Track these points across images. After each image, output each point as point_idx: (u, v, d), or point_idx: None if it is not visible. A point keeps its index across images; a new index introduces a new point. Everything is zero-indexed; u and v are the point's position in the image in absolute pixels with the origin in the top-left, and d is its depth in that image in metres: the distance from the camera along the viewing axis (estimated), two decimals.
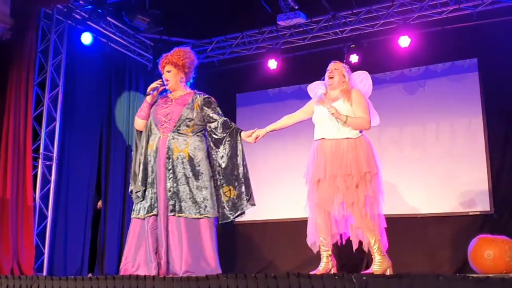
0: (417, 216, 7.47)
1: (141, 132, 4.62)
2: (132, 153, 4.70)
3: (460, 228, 7.15)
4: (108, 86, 7.98)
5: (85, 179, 7.44)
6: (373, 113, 4.77)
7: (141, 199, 4.42)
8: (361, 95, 4.62)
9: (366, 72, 4.88)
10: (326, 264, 4.53)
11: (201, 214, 4.31)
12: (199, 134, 4.52)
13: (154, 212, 4.34)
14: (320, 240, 4.54)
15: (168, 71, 4.62)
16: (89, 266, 7.28)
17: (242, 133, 4.46)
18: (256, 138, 4.47)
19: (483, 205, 7.16)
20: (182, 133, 4.44)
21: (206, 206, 4.33)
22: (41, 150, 6.85)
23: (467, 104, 7.48)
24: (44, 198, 6.84)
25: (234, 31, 8.21)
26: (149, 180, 4.42)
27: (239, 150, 4.43)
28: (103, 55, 7.80)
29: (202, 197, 4.34)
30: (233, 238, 8.34)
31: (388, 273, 4.33)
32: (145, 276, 3.46)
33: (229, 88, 8.87)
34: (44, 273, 6.56)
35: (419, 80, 7.85)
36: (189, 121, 4.45)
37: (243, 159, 4.43)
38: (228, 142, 4.46)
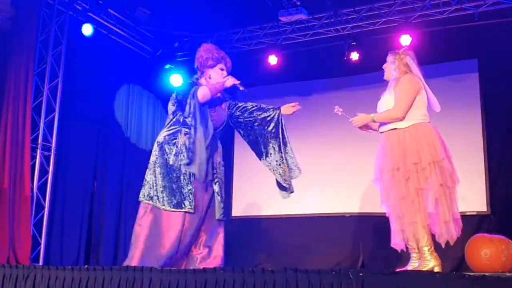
0: None
1: (202, 104, 4.44)
2: (193, 125, 4.37)
3: None
4: (108, 77, 7.97)
5: (83, 170, 7.44)
6: (431, 97, 4.57)
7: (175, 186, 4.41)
8: (405, 82, 4.42)
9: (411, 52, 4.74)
10: (414, 263, 4.33)
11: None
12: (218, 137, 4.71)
13: (190, 210, 4.40)
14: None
15: (222, 69, 4.72)
16: (85, 257, 7.29)
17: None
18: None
19: (480, 205, 7.17)
20: (217, 139, 4.61)
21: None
22: (39, 141, 6.85)
23: (466, 105, 7.48)
24: (42, 188, 6.84)
25: (235, 26, 8.20)
26: (178, 172, 4.43)
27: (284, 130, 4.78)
28: (103, 46, 7.79)
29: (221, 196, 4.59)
30: (230, 232, 8.33)
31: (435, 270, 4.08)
32: (142, 267, 3.47)
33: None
34: (40, 263, 6.57)
35: None
36: (223, 128, 4.69)
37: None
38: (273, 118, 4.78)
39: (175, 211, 4.37)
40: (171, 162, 4.43)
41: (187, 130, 4.41)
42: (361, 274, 2.90)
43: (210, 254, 4.46)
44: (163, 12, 7.55)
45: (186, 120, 4.42)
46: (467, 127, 7.40)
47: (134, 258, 4.30)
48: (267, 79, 8.58)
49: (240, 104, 4.78)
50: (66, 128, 7.25)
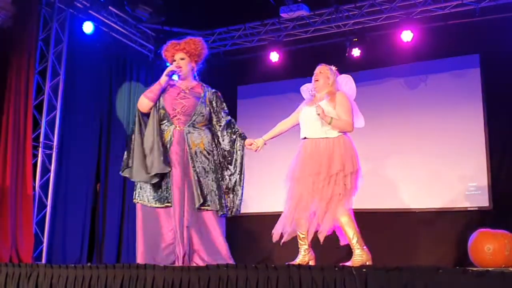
0: (416, 211, 7.48)
1: (144, 113, 4.50)
2: (134, 134, 4.49)
3: (459, 223, 7.16)
4: (109, 75, 7.97)
5: (85, 168, 7.44)
6: (357, 115, 4.84)
7: (158, 182, 4.39)
8: (345, 98, 4.68)
9: (350, 76, 4.92)
10: (303, 257, 4.62)
11: (221, 207, 4.43)
12: (209, 127, 4.59)
13: (169, 204, 4.37)
14: (298, 234, 4.63)
15: (182, 58, 4.61)
16: (88, 256, 7.29)
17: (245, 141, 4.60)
18: (257, 150, 4.66)
19: (482, 200, 7.17)
20: (196, 127, 4.49)
21: (223, 199, 4.47)
22: (41, 139, 6.85)
23: (468, 100, 7.48)
24: (44, 187, 6.85)
25: (236, 22, 8.19)
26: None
27: (240, 158, 4.57)
28: (104, 44, 7.78)
29: (220, 190, 4.46)
30: (234, 229, 8.34)
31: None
32: (145, 265, 3.46)
33: (231, 80, 8.85)
34: (43, 261, 6.57)
35: (420, 75, 7.84)
36: (202, 116, 4.51)
37: (243, 167, 4.58)
38: (233, 149, 4.57)
39: (160, 207, 4.39)
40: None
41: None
42: (364, 270, 2.90)
43: (191, 248, 4.33)
44: (163, 9, 7.53)
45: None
46: (469, 122, 7.40)
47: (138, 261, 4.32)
48: (269, 76, 8.57)
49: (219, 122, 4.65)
50: (67, 127, 7.24)
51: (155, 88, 4.50)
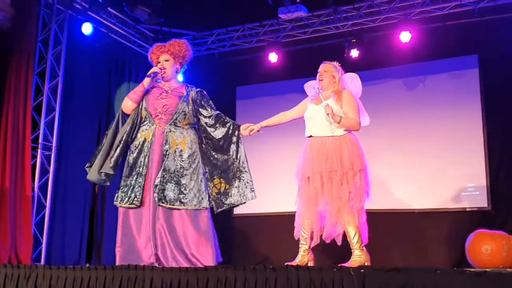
0: (414, 211, 7.49)
1: (126, 114, 4.58)
2: (108, 131, 4.63)
3: (457, 223, 7.16)
4: (108, 76, 7.97)
5: (83, 169, 7.40)
6: (363, 113, 4.86)
7: (107, 183, 4.65)
8: (351, 96, 4.69)
9: (356, 74, 4.92)
10: (302, 257, 4.63)
11: (200, 206, 4.37)
12: (193, 127, 4.60)
13: (137, 203, 4.40)
14: (301, 234, 4.65)
15: (166, 60, 4.64)
16: (86, 257, 7.29)
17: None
18: (250, 131, 4.57)
19: (480, 201, 7.17)
20: (178, 126, 4.49)
21: (203, 198, 4.41)
22: (40, 140, 6.86)
23: (467, 100, 7.48)
24: (43, 188, 6.85)
25: (235, 23, 8.20)
26: (138, 169, 4.45)
27: (241, 145, 4.51)
28: (103, 45, 7.77)
29: (200, 189, 4.42)
30: (232, 230, 8.35)
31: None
32: (143, 266, 3.47)
33: (229, 81, 8.86)
34: (42, 263, 6.57)
35: (419, 76, 7.85)
36: (185, 114, 4.50)
37: (242, 153, 4.50)
38: (229, 137, 4.51)
39: (130, 207, 4.46)
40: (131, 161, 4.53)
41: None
42: (362, 270, 2.90)
43: (163, 251, 4.32)
44: (162, 10, 7.53)
45: None
46: (468, 122, 7.41)
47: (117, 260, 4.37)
48: (268, 77, 8.58)
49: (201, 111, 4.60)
50: (66, 128, 7.24)
51: (138, 90, 4.57)
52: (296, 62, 8.25)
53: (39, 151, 6.83)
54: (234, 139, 4.51)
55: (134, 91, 4.59)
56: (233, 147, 4.49)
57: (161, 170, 4.37)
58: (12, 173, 6.27)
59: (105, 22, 7.73)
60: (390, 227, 7.44)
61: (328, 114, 4.52)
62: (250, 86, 8.97)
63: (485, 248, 5.62)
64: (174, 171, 4.38)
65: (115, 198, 4.58)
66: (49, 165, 6.93)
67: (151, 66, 8.10)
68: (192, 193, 4.37)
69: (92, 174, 4.56)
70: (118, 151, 4.52)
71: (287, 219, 7.87)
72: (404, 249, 7.30)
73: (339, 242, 4.57)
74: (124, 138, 4.51)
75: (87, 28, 7.24)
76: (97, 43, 7.61)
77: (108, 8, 7.58)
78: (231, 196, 4.43)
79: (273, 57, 8.15)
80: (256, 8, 7.64)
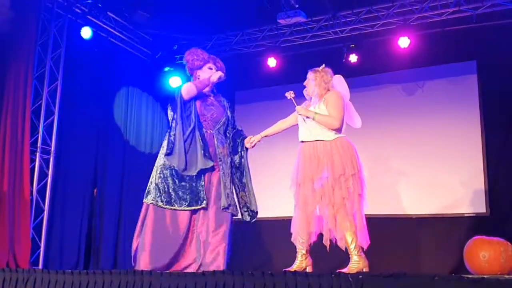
0: (412, 216, 7.49)
1: (186, 101, 4.58)
2: (175, 119, 4.53)
3: (455, 229, 7.17)
4: (107, 80, 7.97)
5: (82, 173, 7.45)
6: (354, 114, 4.88)
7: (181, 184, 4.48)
8: (335, 96, 4.69)
9: (340, 76, 4.94)
10: (300, 263, 4.63)
11: (235, 209, 4.64)
12: (226, 134, 4.82)
13: (204, 205, 4.46)
14: (298, 239, 4.65)
15: (210, 68, 4.83)
16: (84, 261, 7.28)
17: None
18: (252, 143, 4.81)
19: (479, 206, 7.18)
20: (220, 133, 4.70)
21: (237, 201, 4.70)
22: (39, 144, 6.85)
23: (465, 106, 7.50)
24: (41, 191, 6.84)
25: (234, 28, 8.21)
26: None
27: (246, 161, 4.84)
28: (102, 49, 7.78)
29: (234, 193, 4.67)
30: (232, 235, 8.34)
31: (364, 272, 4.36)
32: (142, 271, 3.47)
33: (228, 86, 8.83)
34: (40, 266, 6.56)
35: (418, 81, 7.87)
36: (224, 123, 4.76)
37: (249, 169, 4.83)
38: (238, 149, 4.84)
39: (176, 209, 4.45)
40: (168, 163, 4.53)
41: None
42: (360, 276, 2.90)
43: (213, 252, 4.41)
44: (162, 15, 7.55)
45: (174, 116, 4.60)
46: (466, 128, 7.42)
47: (142, 261, 4.34)
48: (266, 82, 8.59)
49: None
50: (65, 131, 7.25)
51: (204, 83, 4.72)
52: (295, 67, 8.23)
53: (37, 154, 6.83)
54: (243, 154, 4.84)
55: (201, 81, 4.72)
56: (243, 160, 4.82)
57: (211, 174, 4.52)
58: (10, 176, 6.26)
59: (104, 26, 7.73)
60: (388, 232, 7.44)
61: (300, 114, 4.62)
62: (249, 91, 8.98)
63: (483, 255, 5.62)
64: (223, 174, 4.59)
65: (153, 198, 4.49)
66: (48, 169, 6.93)
67: (151, 70, 8.13)
68: (232, 196, 4.61)
69: (191, 169, 4.47)
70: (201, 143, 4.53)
71: (286, 223, 7.91)
72: (402, 255, 7.30)
73: (342, 247, 4.54)
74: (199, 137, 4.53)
75: (86, 32, 7.24)
76: (96, 47, 7.60)
77: (108, 12, 7.58)
78: (251, 204, 4.75)
79: (272, 62, 8.16)
80: (255, 13, 7.65)
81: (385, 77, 8.07)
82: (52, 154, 6.97)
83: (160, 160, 4.58)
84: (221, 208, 4.45)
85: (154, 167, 4.61)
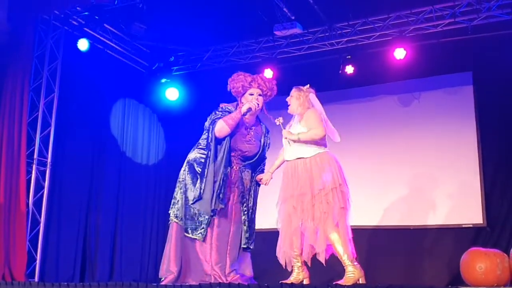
0: (409, 227, 7.49)
1: (219, 139, 4.59)
2: (209, 161, 4.56)
3: (452, 240, 7.16)
4: (104, 92, 7.98)
5: (78, 185, 7.43)
6: (332, 130, 4.91)
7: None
8: (312, 113, 4.74)
9: (313, 93, 4.95)
10: (297, 275, 4.62)
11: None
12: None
13: (202, 238, 4.61)
14: (292, 253, 4.65)
15: (260, 95, 4.79)
16: (80, 273, 7.25)
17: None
18: (266, 183, 4.93)
19: (475, 218, 7.17)
20: (247, 165, 4.79)
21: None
22: (35, 156, 6.84)
23: (461, 117, 7.52)
24: (37, 203, 6.83)
25: (230, 40, 8.23)
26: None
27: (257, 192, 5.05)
28: (99, 61, 7.79)
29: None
30: None
31: (360, 282, 4.34)
32: (138, 283, 3.46)
33: (224, 97, 8.84)
34: (36, 279, 6.53)
35: (414, 92, 7.89)
36: (255, 161, 4.85)
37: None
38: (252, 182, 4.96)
39: (191, 237, 4.55)
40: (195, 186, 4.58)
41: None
42: None
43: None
44: (159, 27, 7.56)
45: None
46: (462, 139, 7.44)
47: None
48: None
49: None
50: (61, 143, 7.24)
51: (236, 117, 4.64)
52: (291, 78, 8.23)
53: (34, 166, 6.81)
54: (256, 188, 5.00)
55: (232, 117, 4.63)
56: (254, 194, 5.01)
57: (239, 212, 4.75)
58: (6, 188, 6.25)
59: (101, 38, 7.73)
60: (385, 243, 7.44)
61: (285, 138, 4.68)
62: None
63: (479, 266, 5.61)
64: (250, 212, 4.95)
65: (180, 220, 4.65)
66: (44, 181, 6.91)
67: (147, 81, 8.11)
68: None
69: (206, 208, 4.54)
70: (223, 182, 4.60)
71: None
72: (399, 266, 7.28)
73: (322, 260, 4.53)
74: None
75: (83, 44, 7.23)
76: (93, 59, 7.61)
77: (104, 24, 7.60)
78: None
79: (268, 73, 8.16)
80: (251, 24, 7.68)
81: (381, 88, 8.09)
82: (48, 166, 6.96)
83: (182, 174, 4.75)
84: (242, 247, 4.72)
85: (178, 183, 4.80)
